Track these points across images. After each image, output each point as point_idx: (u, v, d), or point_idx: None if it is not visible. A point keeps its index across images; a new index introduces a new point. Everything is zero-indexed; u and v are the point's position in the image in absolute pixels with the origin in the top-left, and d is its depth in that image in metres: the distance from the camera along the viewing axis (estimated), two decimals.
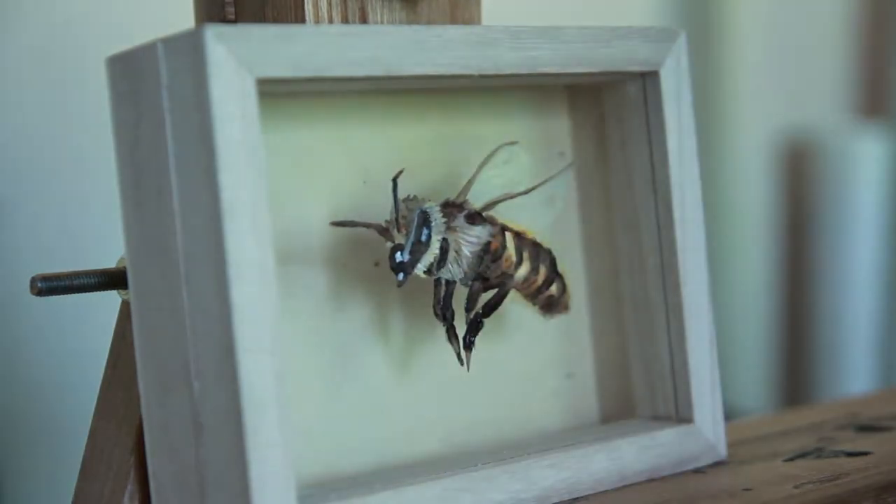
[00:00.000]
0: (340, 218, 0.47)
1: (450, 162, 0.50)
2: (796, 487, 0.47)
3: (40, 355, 0.75)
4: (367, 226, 0.46)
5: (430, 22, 0.49)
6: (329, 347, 0.47)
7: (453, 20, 0.50)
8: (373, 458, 0.48)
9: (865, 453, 0.52)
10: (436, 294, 0.47)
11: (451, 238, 0.46)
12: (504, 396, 0.51)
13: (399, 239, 0.45)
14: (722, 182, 1.17)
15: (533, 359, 0.52)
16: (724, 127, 1.17)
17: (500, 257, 0.47)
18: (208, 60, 0.39)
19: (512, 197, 0.48)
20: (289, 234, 0.46)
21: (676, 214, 0.50)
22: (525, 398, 0.52)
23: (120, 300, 0.47)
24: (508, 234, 0.48)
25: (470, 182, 0.48)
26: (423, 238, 0.45)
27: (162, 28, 0.44)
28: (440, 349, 0.48)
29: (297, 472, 0.41)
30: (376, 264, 0.48)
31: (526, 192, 0.48)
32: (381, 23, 0.48)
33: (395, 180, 0.45)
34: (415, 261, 0.44)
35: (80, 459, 0.48)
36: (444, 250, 0.45)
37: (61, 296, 0.46)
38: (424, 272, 0.45)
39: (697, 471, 0.50)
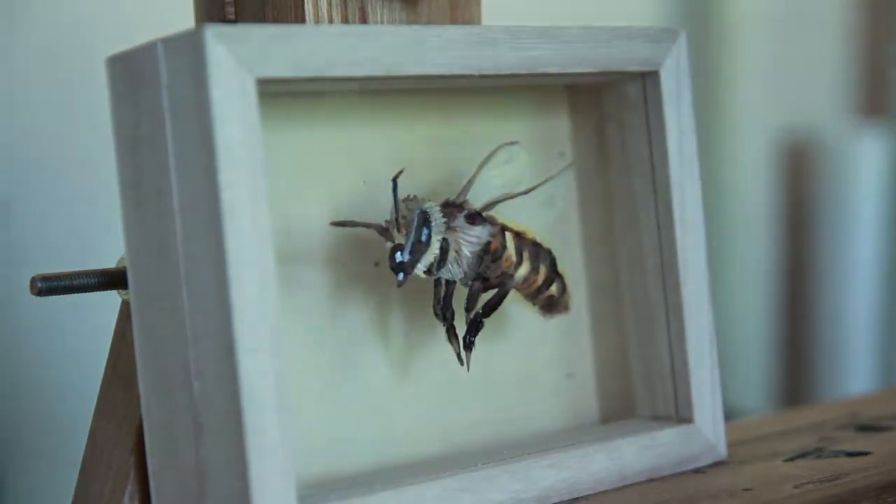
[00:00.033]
0: (340, 218, 0.47)
1: (450, 162, 0.50)
2: (796, 487, 0.47)
3: (40, 355, 0.75)
4: (367, 226, 0.46)
5: (430, 22, 0.49)
6: (329, 347, 0.47)
7: (453, 20, 0.50)
8: (373, 458, 0.48)
9: (865, 453, 0.52)
10: (436, 294, 0.47)
11: (451, 238, 0.46)
12: (504, 396, 0.51)
13: (399, 239, 0.45)
14: (722, 182, 1.17)
15: (533, 359, 0.52)
16: (724, 127, 1.17)
17: (500, 257, 0.47)
18: (208, 60, 0.39)
19: (512, 197, 0.48)
20: (289, 234, 0.46)
21: (676, 214, 0.50)
22: (525, 398, 0.52)
23: (120, 300, 0.47)
24: (508, 234, 0.48)
25: (470, 182, 0.48)
26: (423, 238, 0.45)
27: (162, 28, 0.44)
28: (440, 349, 0.48)
29: (297, 472, 0.41)
30: (376, 264, 0.48)
31: (526, 192, 0.48)
32: (381, 23, 0.48)
33: (395, 180, 0.45)
34: (415, 261, 0.44)
35: (80, 459, 0.48)
36: (444, 250, 0.45)
37: (61, 296, 0.46)
38: (424, 272, 0.45)
39: (697, 471, 0.50)
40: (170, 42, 0.40)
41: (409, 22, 0.49)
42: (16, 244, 0.74)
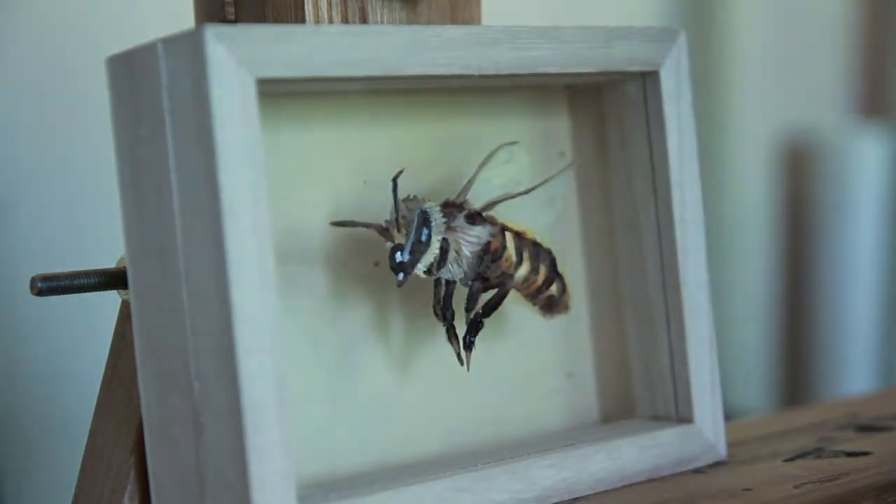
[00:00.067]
0: (340, 218, 0.47)
1: (450, 162, 0.50)
2: (796, 487, 0.47)
3: (40, 355, 0.75)
4: (367, 226, 0.46)
5: (430, 22, 0.49)
6: (329, 347, 0.47)
7: (453, 20, 0.50)
8: (373, 458, 0.48)
9: (865, 453, 0.52)
10: (436, 294, 0.47)
11: (451, 238, 0.46)
12: (504, 396, 0.51)
13: (399, 239, 0.45)
14: (722, 182, 1.17)
15: (533, 359, 0.52)
16: (724, 127, 1.17)
17: (500, 257, 0.47)
18: (208, 60, 0.39)
19: (512, 197, 0.48)
20: (289, 234, 0.46)
21: (676, 214, 0.50)
22: (525, 398, 0.52)
23: (120, 300, 0.47)
24: (508, 234, 0.48)
25: (470, 182, 0.48)
26: (423, 238, 0.45)
27: (162, 28, 0.44)
28: (440, 349, 0.48)
29: (297, 472, 0.41)
30: (376, 264, 0.48)
31: (526, 192, 0.48)
32: (381, 23, 0.48)
33: (395, 180, 0.45)
34: (415, 261, 0.44)
35: (80, 459, 0.48)
36: (444, 250, 0.45)
37: (61, 296, 0.46)
38: (424, 272, 0.45)
39: (697, 471, 0.50)
40: (170, 42, 0.40)
41: (409, 22, 0.49)
42: (16, 244, 0.74)
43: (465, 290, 0.47)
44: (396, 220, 0.45)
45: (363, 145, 0.48)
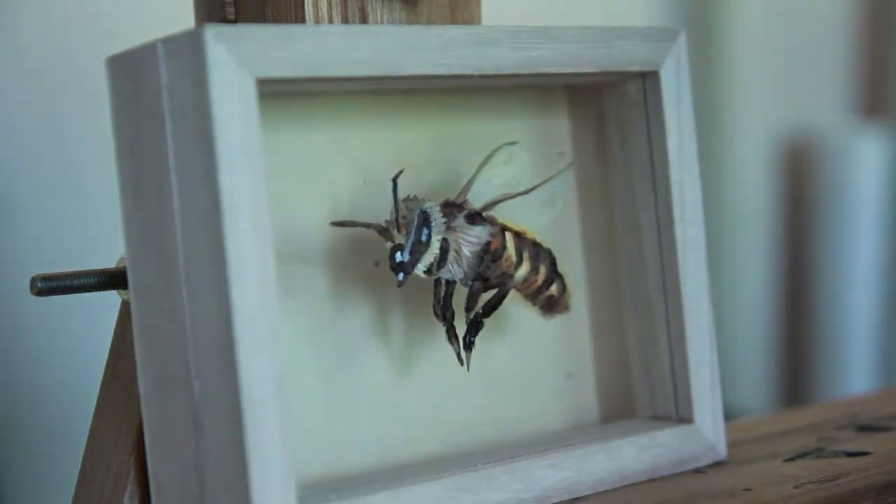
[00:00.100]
0: (340, 218, 0.47)
1: (450, 162, 0.50)
2: (796, 487, 0.47)
3: (40, 355, 0.75)
4: (367, 226, 0.46)
5: (430, 22, 0.49)
6: (329, 347, 0.47)
7: (453, 20, 0.50)
8: (373, 458, 0.48)
9: (865, 453, 0.52)
10: (436, 294, 0.47)
11: (451, 238, 0.46)
12: (504, 396, 0.51)
13: (399, 239, 0.45)
14: (722, 182, 1.17)
15: (533, 359, 0.52)
16: (724, 127, 1.17)
17: (500, 257, 0.47)
18: (208, 60, 0.39)
19: (512, 197, 0.48)
20: (289, 234, 0.46)
21: (676, 214, 0.50)
22: (525, 398, 0.52)
23: (120, 300, 0.47)
24: (508, 234, 0.48)
25: (470, 182, 0.48)
26: (423, 238, 0.45)
27: (162, 28, 0.44)
28: (440, 349, 0.48)
29: (297, 472, 0.41)
30: (376, 264, 0.48)
31: (526, 192, 0.48)
32: (381, 23, 0.48)
33: (395, 180, 0.45)
34: (415, 261, 0.44)
35: (80, 459, 0.48)
36: (444, 250, 0.45)
37: (61, 296, 0.46)
38: (424, 272, 0.45)
39: (697, 471, 0.50)
40: (170, 42, 0.40)
41: (409, 22, 0.49)
42: (16, 244, 0.74)
43: (465, 290, 0.47)
44: (396, 220, 0.45)
45: (363, 145, 0.48)
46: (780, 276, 1.23)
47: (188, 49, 0.40)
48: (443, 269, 0.46)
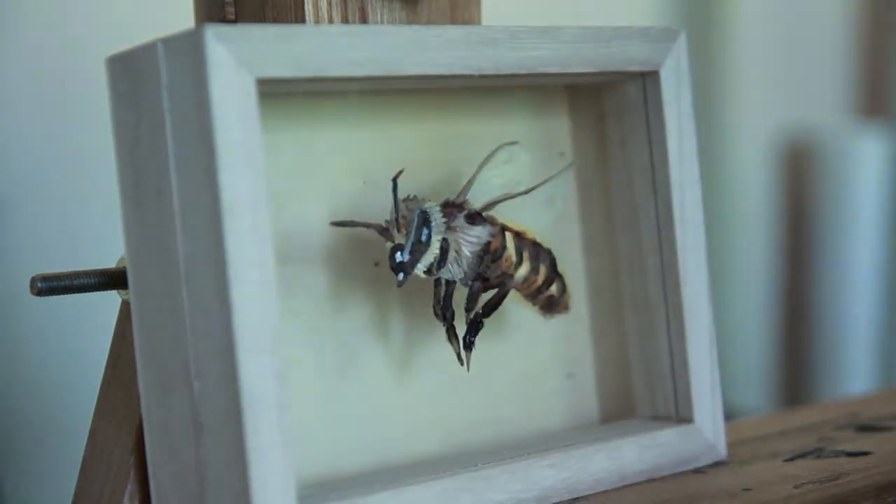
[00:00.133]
0: (340, 218, 0.47)
1: (450, 162, 0.50)
2: (796, 487, 0.47)
3: (40, 355, 0.75)
4: (367, 226, 0.46)
5: (430, 22, 0.49)
6: (329, 347, 0.47)
7: (453, 20, 0.50)
8: (373, 458, 0.48)
9: (865, 453, 0.52)
10: (436, 294, 0.47)
11: (451, 238, 0.46)
12: (504, 396, 0.51)
13: (399, 239, 0.45)
14: (722, 182, 1.17)
15: (533, 359, 0.52)
16: (724, 127, 1.17)
17: (500, 257, 0.47)
18: (208, 60, 0.39)
19: (512, 197, 0.48)
20: (289, 234, 0.46)
21: (676, 214, 0.50)
22: (525, 398, 0.52)
23: (120, 300, 0.47)
24: (508, 234, 0.48)
25: (470, 182, 0.48)
26: (423, 238, 0.45)
27: (162, 28, 0.44)
28: (440, 349, 0.48)
29: (297, 472, 0.41)
30: (376, 264, 0.48)
31: (526, 192, 0.48)
32: (381, 23, 0.48)
33: (395, 180, 0.45)
34: (415, 261, 0.44)
35: (80, 459, 0.48)
36: (444, 250, 0.45)
37: (61, 296, 0.46)
38: (424, 272, 0.45)
39: (697, 471, 0.50)
40: (170, 42, 0.40)
41: (409, 22, 0.49)
42: (15, 244, 0.74)
43: (465, 290, 0.47)
44: (396, 220, 0.45)
45: (363, 145, 0.48)
46: (780, 276, 1.23)
47: (188, 49, 0.40)
48: (443, 269, 0.46)
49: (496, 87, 0.51)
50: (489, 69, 0.45)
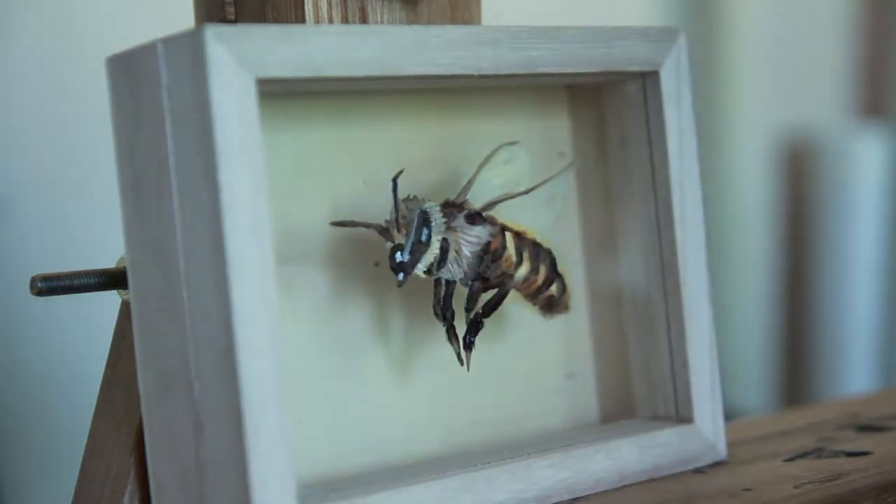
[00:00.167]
0: (340, 218, 0.47)
1: (450, 162, 0.50)
2: (796, 487, 0.47)
3: (40, 355, 0.75)
4: (367, 226, 0.46)
5: (430, 22, 0.49)
6: (329, 347, 0.47)
7: (453, 20, 0.50)
8: (373, 458, 0.48)
9: (865, 453, 0.52)
10: (436, 294, 0.47)
11: (451, 238, 0.46)
12: (504, 396, 0.51)
13: (399, 239, 0.45)
14: (722, 182, 1.17)
15: (533, 359, 0.52)
16: (724, 127, 1.17)
17: (500, 257, 0.47)
18: (208, 60, 0.39)
19: (512, 197, 0.48)
20: (289, 234, 0.46)
21: (676, 214, 0.50)
22: (525, 398, 0.52)
23: (120, 300, 0.47)
24: (508, 234, 0.48)
25: (470, 182, 0.48)
26: (423, 238, 0.45)
27: (162, 28, 0.44)
28: (440, 349, 0.48)
29: (297, 472, 0.41)
30: (376, 264, 0.48)
31: (526, 192, 0.48)
32: (381, 23, 0.48)
33: (395, 180, 0.45)
34: (415, 261, 0.44)
35: (80, 459, 0.48)
36: (444, 250, 0.45)
37: (61, 296, 0.46)
38: (424, 272, 0.45)
39: (697, 471, 0.50)
40: (170, 42, 0.40)
41: (409, 22, 0.49)
42: (15, 244, 0.74)
43: (465, 290, 0.47)
44: (396, 220, 0.45)
45: (363, 145, 0.48)
46: (780, 276, 1.23)
47: (188, 49, 0.40)
48: (443, 269, 0.46)
49: (496, 87, 0.51)
50: (489, 69, 0.45)
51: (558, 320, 0.51)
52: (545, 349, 0.53)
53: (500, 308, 0.48)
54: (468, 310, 0.47)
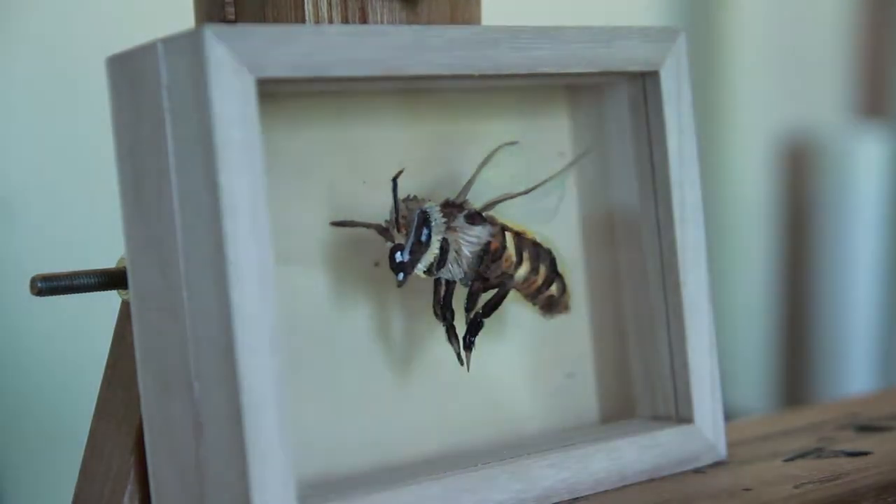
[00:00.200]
0: (340, 218, 0.47)
1: (450, 162, 0.50)
2: (796, 487, 0.47)
3: (40, 355, 0.75)
4: (367, 226, 0.46)
5: (430, 22, 0.49)
6: (329, 347, 0.47)
7: (453, 20, 0.50)
8: (373, 458, 0.48)
9: (865, 453, 0.52)
10: (436, 294, 0.47)
11: (451, 238, 0.46)
12: (504, 396, 0.51)
13: (399, 239, 0.45)
14: (722, 182, 1.17)
15: (533, 359, 0.52)
16: (724, 127, 1.17)
17: (500, 257, 0.47)
18: (208, 60, 0.39)
19: (512, 197, 0.48)
20: (289, 234, 0.46)
21: (676, 214, 0.50)
22: (525, 398, 0.52)
23: (120, 300, 0.47)
24: (508, 234, 0.48)
25: (470, 182, 0.48)
26: (423, 238, 0.45)
27: (162, 28, 0.44)
28: (440, 349, 0.48)
29: (297, 472, 0.41)
30: (376, 264, 0.48)
31: (526, 192, 0.48)
32: (381, 23, 0.48)
33: (395, 180, 0.45)
34: (415, 261, 0.44)
35: (80, 459, 0.48)
36: (444, 250, 0.45)
37: (61, 296, 0.46)
38: (424, 272, 0.45)
39: (697, 471, 0.50)
40: (170, 42, 0.40)
41: (409, 22, 0.49)
42: (16, 244, 0.74)
43: (465, 290, 0.47)
44: (396, 220, 0.45)
45: (363, 145, 0.48)
46: (780, 276, 1.23)
47: (188, 49, 0.40)
48: (443, 269, 0.46)
49: (496, 87, 0.51)
50: (489, 69, 0.45)
51: (558, 320, 0.51)
52: (545, 349, 0.52)
53: (500, 308, 0.48)
54: (468, 310, 0.47)
